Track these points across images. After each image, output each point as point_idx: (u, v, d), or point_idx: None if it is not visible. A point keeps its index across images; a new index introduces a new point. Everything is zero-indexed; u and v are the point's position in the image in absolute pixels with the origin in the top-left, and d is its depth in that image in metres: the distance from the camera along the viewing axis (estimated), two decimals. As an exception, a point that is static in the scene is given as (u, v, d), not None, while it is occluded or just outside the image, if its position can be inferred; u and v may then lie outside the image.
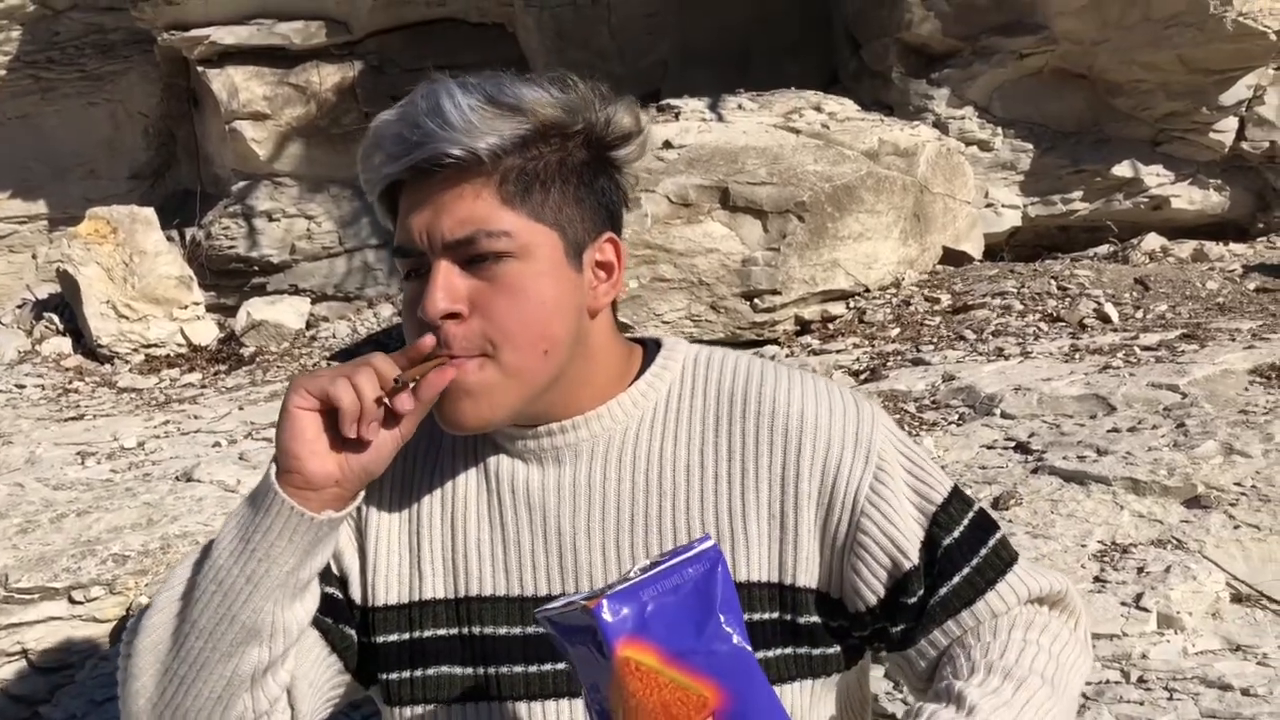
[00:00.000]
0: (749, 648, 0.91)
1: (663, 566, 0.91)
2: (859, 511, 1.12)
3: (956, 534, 1.15)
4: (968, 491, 1.25)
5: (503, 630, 1.15)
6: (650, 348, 1.22)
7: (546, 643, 1.03)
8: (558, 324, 1.09)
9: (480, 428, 1.10)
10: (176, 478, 4.22)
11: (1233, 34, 6.14)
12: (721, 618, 0.90)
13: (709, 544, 0.93)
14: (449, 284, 1.05)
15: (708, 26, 7.55)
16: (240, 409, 5.27)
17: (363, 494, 1.12)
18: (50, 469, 4.50)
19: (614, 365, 1.17)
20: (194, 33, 7.49)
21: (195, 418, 5.23)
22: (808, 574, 1.13)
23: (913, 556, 1.13)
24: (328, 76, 7.66)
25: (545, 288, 1.08)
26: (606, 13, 7.61)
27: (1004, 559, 1.18)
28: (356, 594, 1.19)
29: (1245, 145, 6.60)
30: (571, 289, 1.11)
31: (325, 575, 1.16)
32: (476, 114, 1.04)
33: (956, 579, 1.14)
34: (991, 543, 1.18)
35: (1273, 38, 6.15)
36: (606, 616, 0.87)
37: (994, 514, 3.01)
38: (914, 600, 1.14)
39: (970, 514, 1.18)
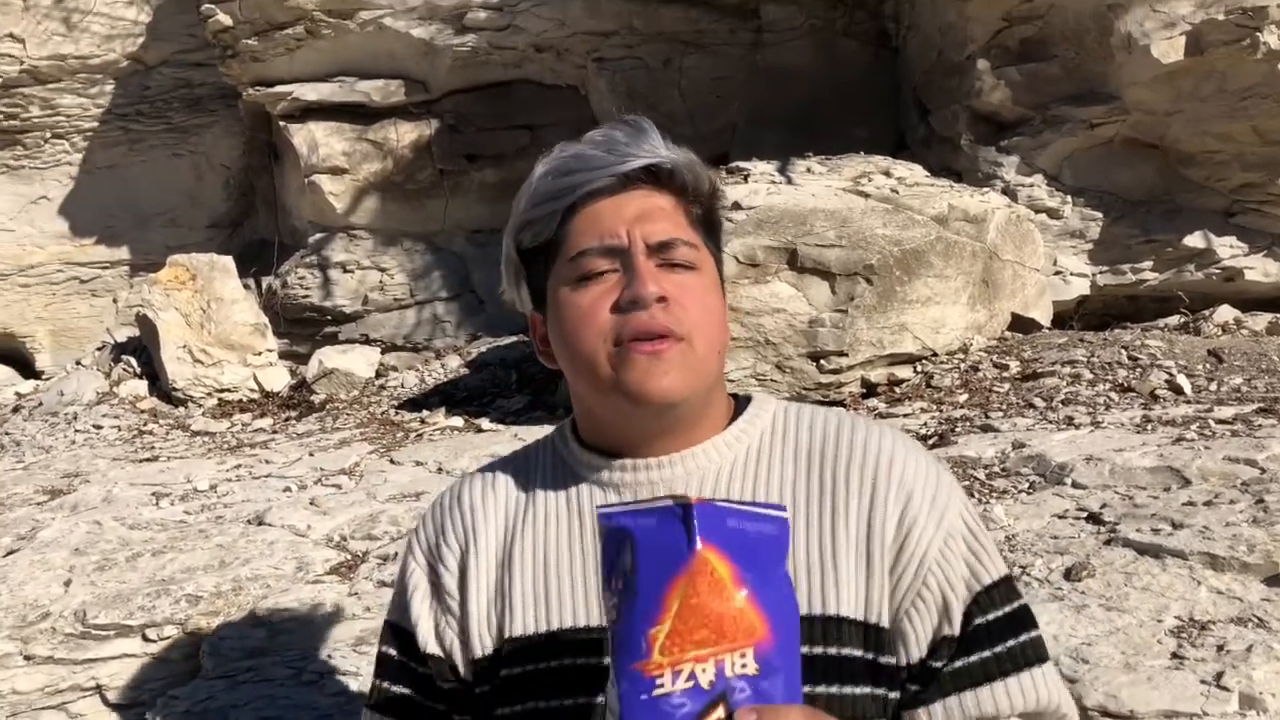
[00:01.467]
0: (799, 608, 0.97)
1: (744, 508, 0.95)
2: (925, 569, 1.18)
3: (992, 616, 1.19)
4: (1025, 585, 1.31)
5: (594, 660, 1.17)
6: (741, 400, 1.30)
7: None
8: (722, 335, 1.22)
9: (673, 399, 1.17)
10: (248, 521, 4.29)
11: (1309, 107, 6.09)
12: (788, 572, 0.95)
13: (784, 512, 0.98)
14: (654, 275, 1.16)
15: (776, 91, 7.65)
16: (310, 455, 5.36)
17: (458, 557, 1.26)
18: (126, 508, 4.60)
19: (722, 405, 1.26)
20: (278, 89, 7.74)
21: (266, 462, 5.32)
22: (883, 616, 1.18)
23: (955, 625, 1.18)
24: (405, 134, 7.86)
25: (714, 300, 1.22)
26: (677, 76, 7.75)
27: (1029, 656, 1.21)
28: (460, 662, 1.26)
29: (1321, 218, 6.51)
30: (724, 309, 1.25)
31: (406, 669, 1.28)
32: (667, 144, 1.21)
33: (975, 657, 1.18)
34: (1023, 637, 1.21)
35: (1351, 111, 6.09)
36: (700, 516, 0.91)
37: (1066, 585, 2.98)
38: (939, 665, 1.19)
39: (1013, 605, 1.22)
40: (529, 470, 1.30)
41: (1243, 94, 6.24)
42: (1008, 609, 1.21)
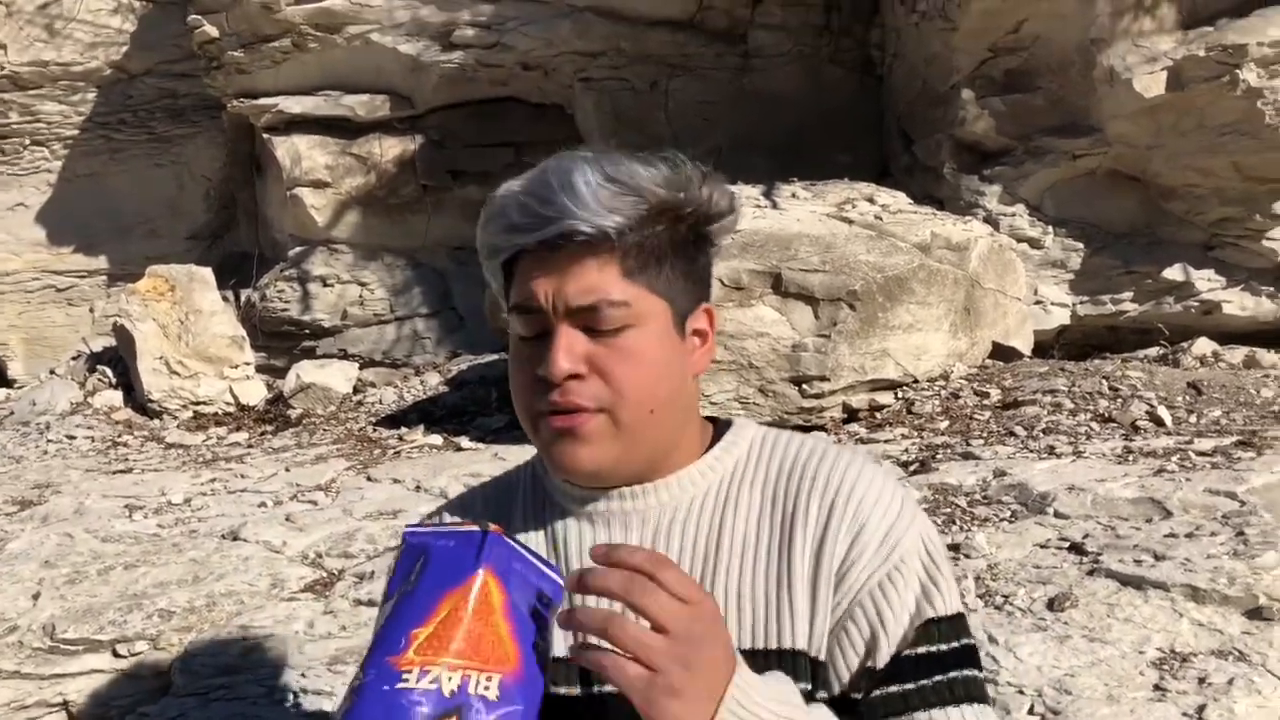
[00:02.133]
0: (553, 651, 1.02)
1: (534, 560, 1.02)
2: (858, 601, 1.16)
3: (923, 650, 1.16)
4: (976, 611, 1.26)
5: (563, 690, 1.19)
6: (721, 425, 1.29)
7: (616, 705, 1.06)
8: (665, 387, 1.17)
9: (591, 472, 1.17)
10: (223, 536, 4.24)
11: (1288, 144, 6.16)
12: (552, 620, 1.00)
13: (562, 580, 1.02)
14: (571, 347, 1.13)
15: (762, 116, 7.68)
16: (286, 470, 5.31)
17: None
18: (98, 521, 4.54)
19: (695, 435, 1.24)
20: (262, 101, 7.72)
21: (242, 477, 5.26)
22: (822, 649, 1.17)
23: (881, 658, 1.16)
24: (389, 149, 7.84)
25: (656, 354, 1.16)
26: (664, 98, 7.77)
27: (958, 694, 1.16)
28: None
29: (1299, 254, 6.57)
30: (677, 355, 1.19)
31: None
32: (605, 192, 1.12)
33: (896, 688, 1.15)
34: (955, 674, 1.17)
35: (1329, 149, 6.16)
36: (493, 543, 0.98)
37: (1049, 615, 2.97)
38: (858, 697, 1.16)
39: (953, 643, 1.18)
40: (510, 498, 1.30)
41: (1222, 130, 6.30)
42: (945, 646, 1.17)
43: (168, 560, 3.93)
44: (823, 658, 1.16)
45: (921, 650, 1.16)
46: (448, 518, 1.31)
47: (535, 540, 1.24)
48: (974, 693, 1.17)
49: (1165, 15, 6.43)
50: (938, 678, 1.16)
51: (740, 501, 1.20)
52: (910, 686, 1.15)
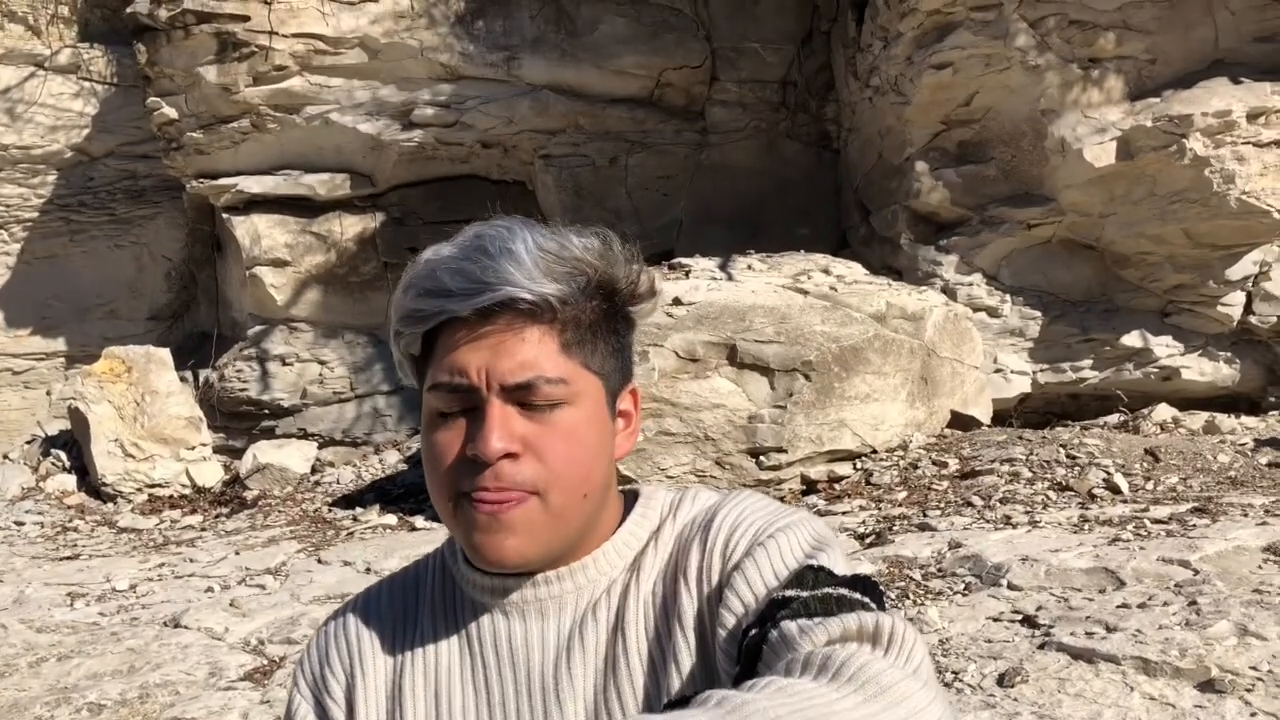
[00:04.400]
0: None
1: None
2: (728, 580, 1.05)
3: (794, 592, 1.00)
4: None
5: None
6: (629, 497, 1.21)
7: None
8: (598, 469, 1.11)
9: (519, 563, 1.10)
10: (164, 623, 4.13)
11: (1236, 211, 6.24)
12: None
13: None
14: (506, 425, 1.05)
15: (720, 190, 7.74)
16: (237, 553, 5.21)
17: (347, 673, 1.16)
18: (37, 610, 4.42)
19: (611, 512, 1.18)
20: (222, 181, 7.72)
21: (191, 561, 5.16)
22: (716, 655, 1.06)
23: (752, 609, 1.02)
24: (349, 226, 7.84)
25: (591, 435, 1.10)
26: (624, 174, 7.82)
27: (834, 607, 0.97)
28: None
29: (1254, 319, 6.62)
30: (609, 436, 1.13)
31: None
32: (545, 260, 1.06)
33: (755, 630, 0.99)
34: (831, 591, 0.99)
35: (1276, 216, 6.25)
36: None
37: (999, 691, 2.91)
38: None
39: (845, 580, 1.01)
40: (418, 590, 1.23)
41: (1172, 198, 6.39)
42: (822, 591, 1.00)
43: (104, 650, 3.81)
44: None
45: (790, 593, 1.00)
46: (351, 620, 1.23)
47: (446, 637, 1.17)
48: (850, 606, 0.98)
49: (1113, 87, 6.55)
50: (820, 592, 1.00)
51: (649, 574, 1.14)
52: (788, 612, 0.98)
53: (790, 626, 0.98)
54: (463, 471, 1.06)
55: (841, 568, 1.05)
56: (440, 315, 1.06)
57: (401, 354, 1.14)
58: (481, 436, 1.04)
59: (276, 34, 7.32)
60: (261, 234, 7.70)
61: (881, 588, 1.13)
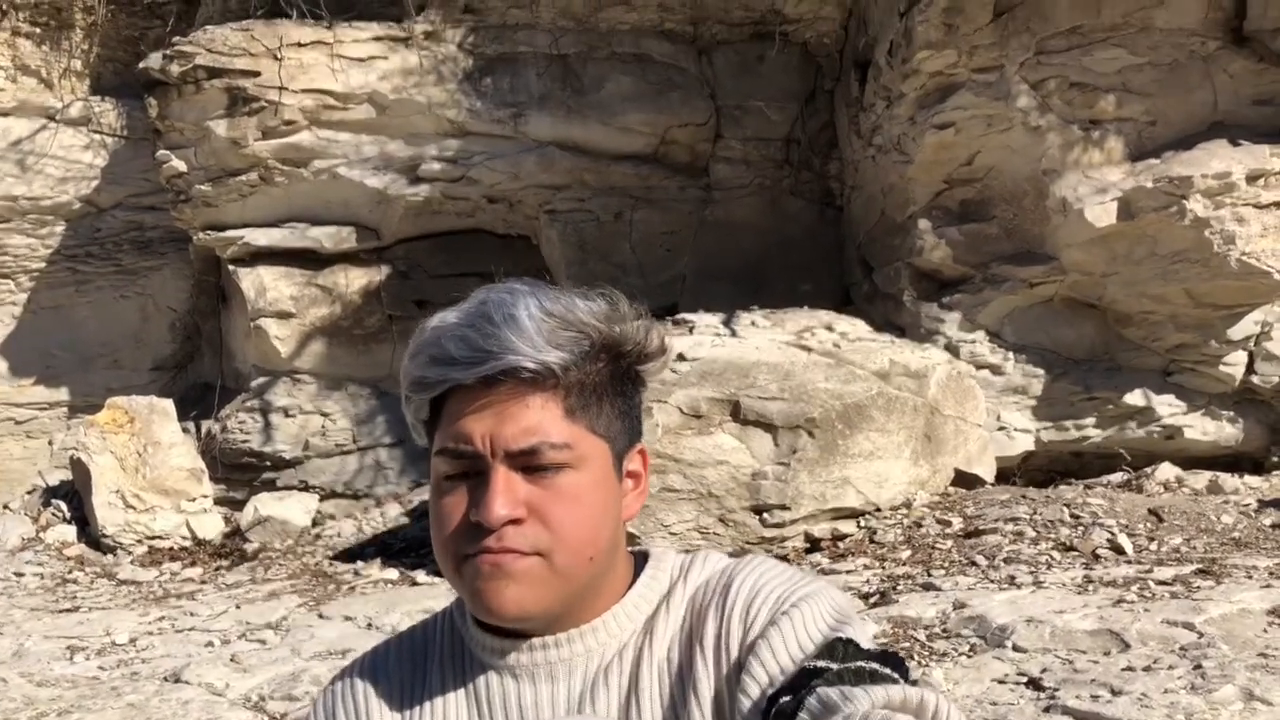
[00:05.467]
0: None
1: None
2: (751, 650, 1.05)
3: (825, 663, 1.01)
4: None
5: None
6: (639, 559, 1.21)
7: None
8: (604, 532, 1.12)
9: (520, 617, 1.10)
10: (165, 678, 4.11)
11: (1237, 272, 6.28)
12: None
13: None
14: (510, 490, 1.07)
15: (724, 246, 7.80)
16: (237, 607, 5.18)
17: None
18: (37, 663, 4.39)
19: (620, 573, 1.18)
20: (229, 233, 7.78)
21: (191, 614, 5.13)
22: None
23: (777, 680, 1.02)
24: (355, 279, 7.89)
25: (596, 498, 1.11)
26: (628, 229, 7.88)
27: (865, 677, 0.98)
28: None
29: (1256, 379, 6.63)
30: (615, 498, 1.14)
31: None
32: (548, 326, 1.07)
33: (788, 698, 0.99)
34: (864, 665, 1.00)
35: (1277, 277, 6.28)
36: None
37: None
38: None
39: (875, 654, 1.02)
40: (426, 651, 1.22)
41: (1173, 258, 6.42)
42: (867, 658, 1.01)
43: (104, 705, 3.79)
44: None
45: (821, 664, 1.01)
46: (358, 682, 1.22)
47: (455, 700, 1.17)
48: (883, 680, 0.99)
49: (1113, 148, 6.61)
50: (853, 665, 1.00)
51: (660, 640, 1.14)
52: (806, 689, 0.98)
53: (830, 693, 0.98)
54: (467, 535, 1.07)
55: (867, 641, 1.06)
56: (445, 383, 1.08)
57: (413, 418, 1.16)
58: (485, 502, 1.05)
59: (286, 89, 7.41)
60: (267, 286, 7.74)
61: (906, 663, 1.12)
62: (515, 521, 1.06)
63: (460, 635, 1.21)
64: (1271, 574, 4.07)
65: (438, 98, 7.63)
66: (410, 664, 1.21)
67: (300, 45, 7.47)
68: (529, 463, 1.07)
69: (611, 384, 1.13)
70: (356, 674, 1.24)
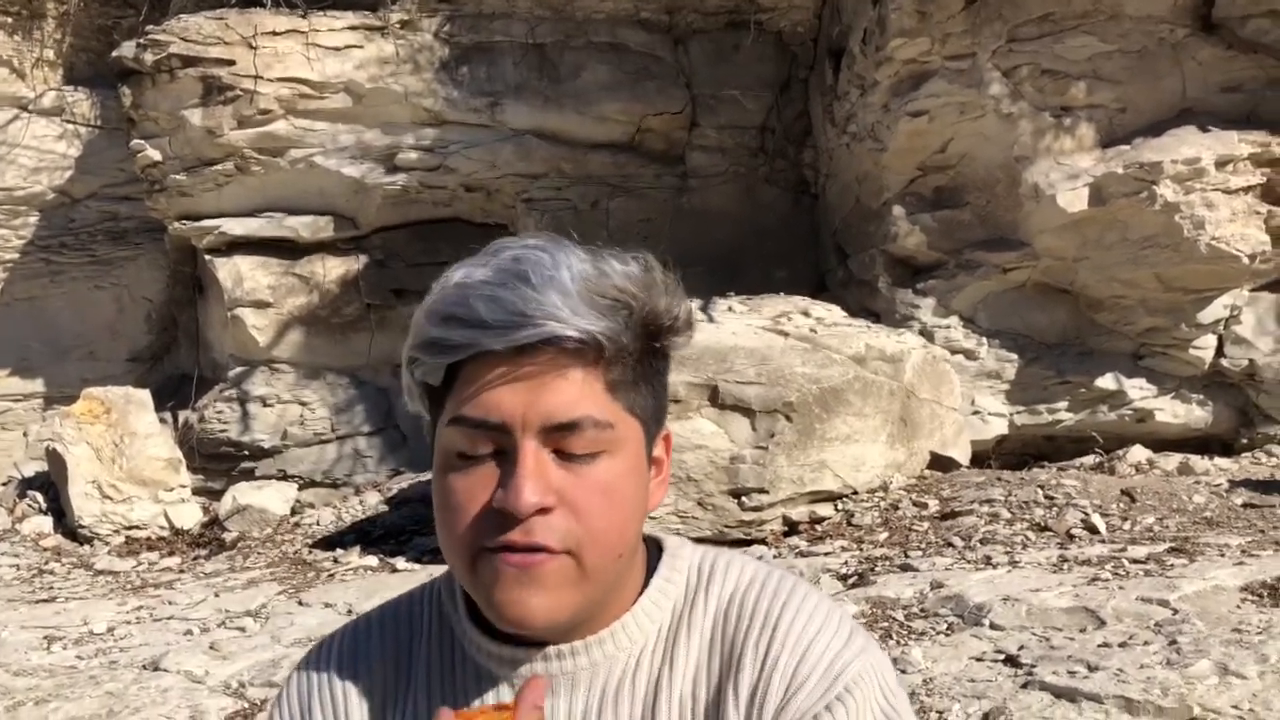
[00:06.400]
0: None
1: None
2: None
3: None
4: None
5: None
6: (652, 550, 1.09)
7: None
8: (634, 528, 1.00)
9: (546, 625, 0.98)
10: (143, 666, 4.10)
11: (1207, 256, 6.36)
12: None
13: None
14: (542, 474, 0.94)
15: (700, 233, 7.82)
16: (216, 595, 5.17)
17: None
18: (14, 653, 4.37)
19: (635, 574, 1.07)
20: (205, 223, 7.74)
21: (170, 603, 5.12)
22: None
23: None
24: (332, 268, 7.87)
25: (629, 488, 0.98)
26: (605, 217, 7.89)
27: None
28: None
29: (1225, 362, 6.73)
30: (645, 489, 1.02)
31: None
32: (591, 291, 0.94)
33: None
34: None
35: (1245, 261, 6.37)
36: None
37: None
38: None
39: None
40: (412, 644, 1.10)
41: (1144, 243, 6.50)
42: None
43: (82, 694, 3.78)
44: None
45: None
46: (334, 671, 1.09)
47: (442, 697, 1.04)
48: None
49: (1084, 135, 6.68)
50: None
51: (679, 655, 1.04)
52: None
53: None
54: (486, 524, 0.95)
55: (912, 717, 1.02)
56: (471, 348, 0.94)
57: (411, 380, 1.01)
58: (513, 486, 0.93)
59: (262, 78, 7.37)
60: (244, 276, 7.71)
61: None
62: (543, 510, 0.94)
63: (450, 627, 1.09)
64: (1244, 551, 4.14)
65: (414, 87, 7.61)
66: (394, 654, 1.09)
67: (275, 34, 7.44)
68: (564, 443, 0.95)
69: (649, 359, 1.00)
70: (333, 661, 1.11)
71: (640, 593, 1.05)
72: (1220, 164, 6.36)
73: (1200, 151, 6.35)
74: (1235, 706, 2.84)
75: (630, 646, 1.03)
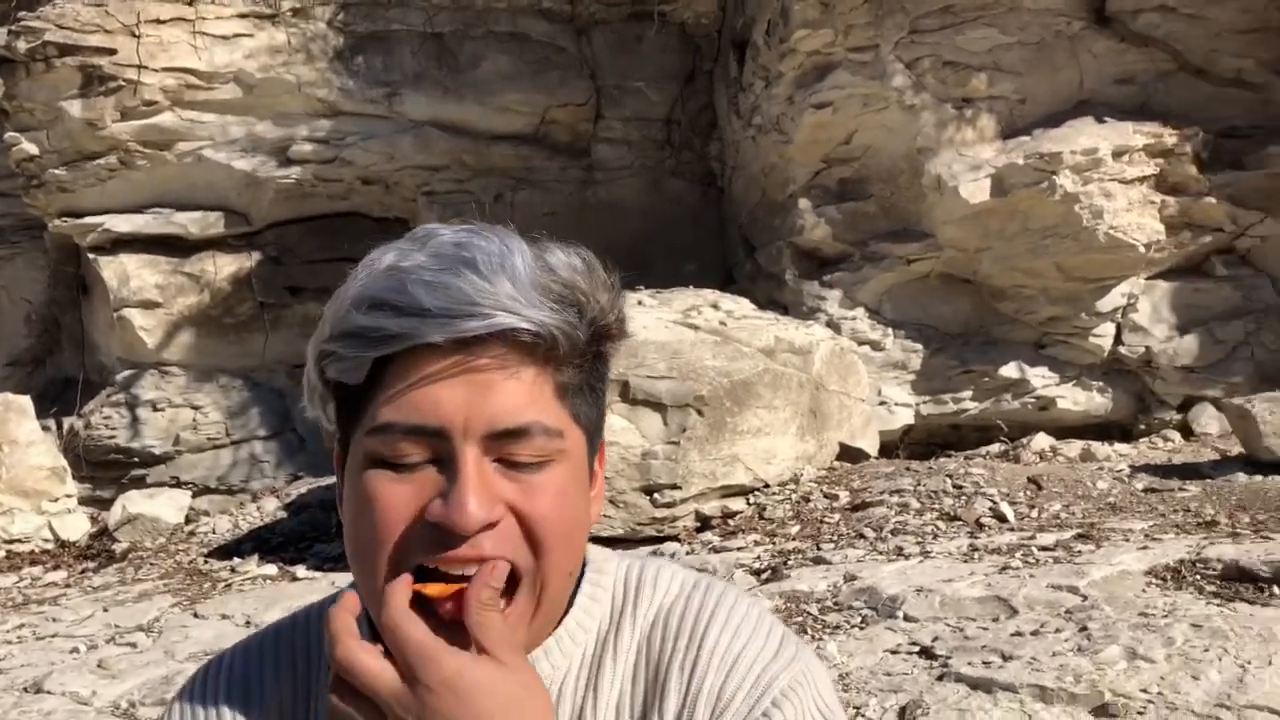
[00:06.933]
0: None
1: None
2: None
3: None
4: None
5: None
6: None
7: None
8: (581, 542, 0.91)
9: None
10: (24, 689, 3.87)
11: (1105, 245, 6.48)
12: None
13: None
14: (486, 485, 0.83)
15: (607, 227, 7.73)
16: (105, 610, 4.92)
17: None
18: (-120, 681, 4.09)
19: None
20: (88, 220, 7.40)
21: (54, 620, 4.86)
22: None
23: None
24: (224, 266, 7.59)
25: (578, 500, 0.89)
26: (508, 210, 7.75)
27: None
28: None
29: (1123, 350, 6.87)
30: (588, 501, 0.92)
31: None
32: (544, 282, 0.84)
33: None
34: None
35: (1141, 250, 6.50)
36: None
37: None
38: None
39: None
40: (309, 663, 0.99)
41: (1044, 233, 6.60)
42: None
43: (-44, 721, 3.54)
44: None
45: None
46: (224, 703, 0.97)
47: None
48: None
49: (985, 126, 6.75)
50: None
51: (605, 678, 0.97)
52: None
53: None
54: (420, 542, 0.84)
55: None
56: (407, 339, 0.83)
57: (319, 379, 0.90)
58: (455, 500, 0.82)
59: (146, 68, 7.07)
60: (130, 275, 7.39)
61: None
62: (489, 525, 0.84)
63: None
64: (1147, 536, 4.19)
65: (307, 77, 7.37)
66: (292, 686, 0.98)
67: (160, 22, 7.14)
68: (511, 451, 0.85)
69: (594, 364, 0.90)
70: (220, 693, 1.00)
71: (565, 612, 0.96)
72: (1117, 154, 6.48)
73: (1097, 142, 6.46)
74: (1144, 690, 2.84)
75: (553, 673, 0.95)
